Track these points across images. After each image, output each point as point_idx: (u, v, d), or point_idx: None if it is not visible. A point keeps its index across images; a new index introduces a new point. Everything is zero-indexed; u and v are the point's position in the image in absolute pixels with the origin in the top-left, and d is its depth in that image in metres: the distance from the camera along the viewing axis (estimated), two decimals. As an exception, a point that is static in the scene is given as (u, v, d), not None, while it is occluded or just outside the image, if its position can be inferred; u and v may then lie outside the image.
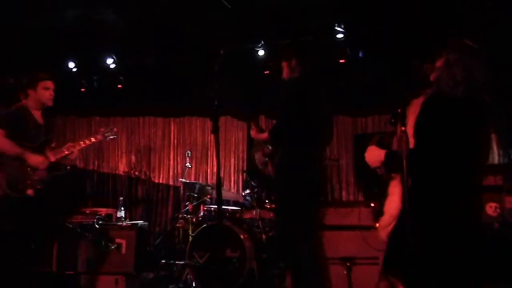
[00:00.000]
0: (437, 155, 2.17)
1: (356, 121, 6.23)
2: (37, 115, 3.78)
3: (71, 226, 4.81)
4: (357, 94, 5.92)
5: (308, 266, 3.15)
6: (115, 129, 4.08)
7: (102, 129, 4.03)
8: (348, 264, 3.90)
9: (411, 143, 2.17)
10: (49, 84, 3.75)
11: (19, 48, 5.86)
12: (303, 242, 3.18)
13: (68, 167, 3.91)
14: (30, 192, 3.53)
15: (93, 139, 3.91)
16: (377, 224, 2.46)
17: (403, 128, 2.17)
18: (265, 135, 3.47)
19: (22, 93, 3.76)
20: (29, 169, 3.58)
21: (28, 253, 3.63)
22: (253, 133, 3.58)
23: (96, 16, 5.46)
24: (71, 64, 6.57)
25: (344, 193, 6.06)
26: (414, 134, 2.21)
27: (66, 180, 3.94)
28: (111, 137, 4.03)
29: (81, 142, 3.82)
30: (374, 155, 2.41)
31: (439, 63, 2.31)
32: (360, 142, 5.91)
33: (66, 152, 3.76)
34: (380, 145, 2.43)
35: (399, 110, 2.21)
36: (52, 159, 3.68)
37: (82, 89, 6.80)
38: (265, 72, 6.11)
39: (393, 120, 2.23)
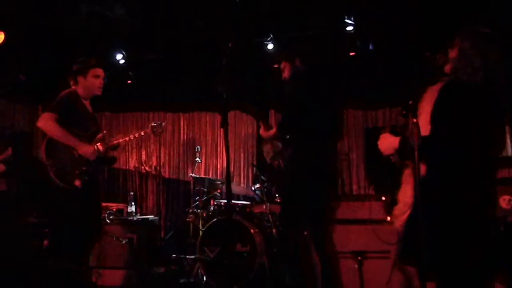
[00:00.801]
0: (454, 141, 2.14)
1: (366, 114, 6.18)
2: (87, 103, 3.61)
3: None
4: (368, 87, 5.87)
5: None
6: (163, 124, 3.80)
7: (153, 124, 3.76)
8: (359, 258, 3.87)
9: (427, 130, 2.15)
10: (100, 71, 3.57)
11: (29, 45, 5.89)
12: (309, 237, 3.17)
13: (116, 159, 3.72)
14: (77, 183, 3.35)
15: (142, 133, 3.70)
16: (392, 214, 2.43)
17: (414, 120, 2.15)
18: (273, 132, 3.45)
19: (72, 80, 3.58)
20: (78, 158, 3.41)
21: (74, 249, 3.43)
22: (262, 131, 3.56)
23: (106, 11, 5.47)
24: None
25: (355, 187, 6.03)
26: (430, 121, 2.18)
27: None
28: (160, 131, 3.77)
29: (131, 135, 3.63)
30: (388, 142, 2.38)
31: (453, 53, 2.28)
32: (370, 135, 5.87)
33: (115, 143, 3.60)
34: (394, 134, 2.40)
35: (410, 102, 2.18)
36: (102, 150, 3.49)
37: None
38: (274, 66, 6.06)
39: (404, 112, 2.20)
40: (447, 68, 2.29)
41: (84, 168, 3.40)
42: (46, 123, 3.38)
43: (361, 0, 5.16)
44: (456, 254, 2.11)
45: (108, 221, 4.87)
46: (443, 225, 2.13)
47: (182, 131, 7.04)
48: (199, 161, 5.82)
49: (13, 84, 3.65)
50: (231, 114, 6.58)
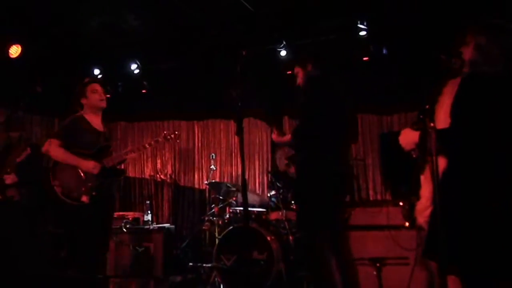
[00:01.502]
0: (475, 134, 2.11)
1: (381, 119, 6.13)
2: (96, 122, 3.77)
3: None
4: (382, 91, 5.82)
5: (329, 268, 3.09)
6: (176, 132, 3.91)
7: (165, 132, 3.90)
8: (378, 264, 3.83)
9: (447, 123, 2.14)
10: (96, 86, 3.77)
11: (46, 56, 5.99)
12: (325, 243, 3.14)
13: (125, 172, 3.86)
14: (84, 199, 3.50)
15: (153, 143, 3.84)
16: (415, 210, 2.41)
17: (431, 124, 2.12)
18: (287, 138, 3.44)
19: (77, 105, 3.80)
20: (82, 175, 3.57)
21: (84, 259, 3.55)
22: (274, 136, 3.55)
23: (120, 23, 5.54)
24: (96, 71, 6.67)
25: (371, 192, 5.96)
26: (450, 114, 2.16)
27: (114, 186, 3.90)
28: (173, 138, 3.86)
29: (142, 146, 3.79)
30: (409, 136, 2.37)
31: (468, 51, 2.25)
32: (386, 140, 5.82)
33: (125, 157, 3.77)
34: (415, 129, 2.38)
35: (427, 107, 2.16)
36: (109, 164, 3.64)
37: (107, 95, 6.89)
38: (288, 72, 6.06)
39: (421, 117, 2.18)
40: (466, 67, 2.26)
41: (89, 184, 3.55)
42: (49, 148, 3.61)
43: (373, 4, 5.13)
44: (478, 248, 2.08)
45: (125, 230, 4.90)
46: (464, 219, 2.11)
47: (196, 139, 7.07)
48: (214, 168, 5.83)
49: (30, 96, 3.74)
50: (245, 121, 6.58)
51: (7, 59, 5.51)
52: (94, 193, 3.53)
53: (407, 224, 3.92)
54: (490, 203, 2.10)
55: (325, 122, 3.18)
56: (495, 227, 2.09)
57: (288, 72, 6.03)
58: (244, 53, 3.20)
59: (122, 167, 3.87)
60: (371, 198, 5.87)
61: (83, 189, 3.52)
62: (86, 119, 3.73)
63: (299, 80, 3.49)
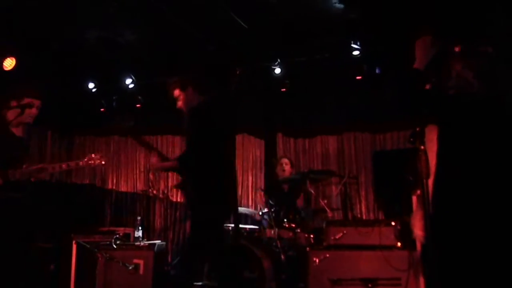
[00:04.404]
0: None
1: (374, 137, 6.15)
2: (15, 127, 3.57)
3: (88, 246, 4.82)
4: (376, 110, 5.86)
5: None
6: (99, 156, 3.74)
7: (91, 155, 3.73)
8: (369, 285, 3.80)
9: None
10: (35, 102, 3.58)
11: (40, 69, 5.98)
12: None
13: (27, 189, 3.54)
14: None
15: (72, 165, 3.67)
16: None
17: (422, 147, 2.13)
18: (170, 164, 3.43)
19: (6, 103, 3.59)
20: None
21: None
22: (154, 160, 3.50)
23: (116, 37, 5.56)
24: (91, 85, 6.67)
25: (364, 211, 5.96)
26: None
27: (27, 203, 3.55)
28: (99, 163, 3.72)
29: (59, 166, 3.60)
30: None
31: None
32: (379, 159, 5.83)
33: (34, 174, 3.51)
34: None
35: (417, 129, 2.17)
36: (14, 178, 3.38)
37: (102, 109, 6.90)
38: (282, 89, 6.11)
39: (412, 139, 2.18)
40: None
41: None
42: None
43: (366, 25, 5.19)
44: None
45: (115, 246, 4.84)
46: (453, 241, 2.10)
47: (190, 154, 7.04)
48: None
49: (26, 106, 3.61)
50: (239, 137, 6.58)
51: (1, 71, 5.50)
52: None
53: (399, 244, 3.91)
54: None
55: (209, 150, 3.26)
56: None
57: (283, 90, 6.10)
58: (238, 72, 3.21)
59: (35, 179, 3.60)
60: (363, 217, 5.86)
61: None
62: (5, 121, 3.50)
63: (180, 103, 3.53)
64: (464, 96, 2.16)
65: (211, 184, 3.25)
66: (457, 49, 2.27)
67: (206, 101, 3.45)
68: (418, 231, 2.31)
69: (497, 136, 2.11)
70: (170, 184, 6.97)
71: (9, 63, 5.57)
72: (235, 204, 3.51)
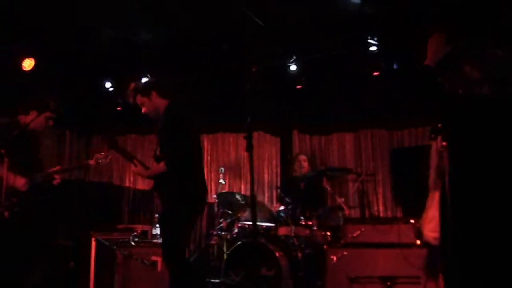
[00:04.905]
0: None
1: (392, 134, 6.09)
2: (32, 134, 3.75)
3: (107, 243, 4.87)
4: (393, 107, 5.80)
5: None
6: (109, 156, 4.03)
7: (97, 155, 4.00)
8: (388, 283, 3.77)
9: None
10: (53, 115, 3.80)
11: (59, 69, 6.06)
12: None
13: (51, 192, 3.80)
14: (6, 214, 3.38)
15: (85, 163, 3.92)
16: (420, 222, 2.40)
17: (444, 143, 2.10)
18: (158, 169, 3.40)
19: (23, 110, 3.75)
20: (9, 189, 3.44)
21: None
22: (138, 170, 3.50)
23: (132, 37, 5.60)
24: (108, 84, 6.73)
25: (381, 209, 5.90)
26: None
27: (53, 204, 3.84)
28: (105, 162, 3.99)
29: (74, 167, 3.84)
30: None
31: None
32: (396, 156, 5.78)
33: (54, 176, 3.70)
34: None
35: (439, 125, 2.14)
36: (38, 180, 3.58)
37: (118, 108, 6.95)
38: (297, 86, 6.08)
39: (433, 136, 2.16)
40: None
41: (14, 200, 3.44)
42: None
43: (383, 20, 5.13)
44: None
45: (133, 243, 4.88)
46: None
47: (206, 152, 7.06)
48: (223, 182, 5.81)
49: (43, 109, 3.74)
50: (254, 135, 6.51)
51: (20, 72, 5.59)
52: (16, 209, 3.42)
53: (418, 242, 3.87)
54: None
55: (188, 151, 3.33)
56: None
57: (298, 87, 6.07)
58: (254, 69, 3.21)
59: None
60: (381, 215, 5.81)
61: (6, 203, 3.40)
62: (23, 127, 3.66)
63: (145, 109, 3.56)
64: (472, 97, 2.15)
65: (189, 183, 3.34)
66: (467, 49, 2.27)
67: (176, 103, 3.51)
68: (428, 232, 2.29)
69: (505, 137, 2.08)
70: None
71: (28, 64, 5.65)
72: (206, 201, 3.61)
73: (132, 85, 3.57)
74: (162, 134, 3.46)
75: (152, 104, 3.51)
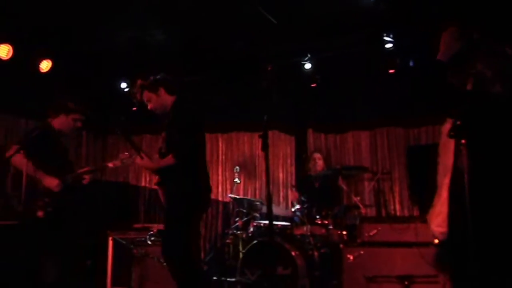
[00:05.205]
0: None
1: (408, 132, 6.02)
2: (60, 136, 3.90)
3: (124, 242, 4.92)
4: (409, 104, 5.73)
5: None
6: (134, 156, 3.99)
7: (121, 155, 4.08)
8: (406, 282, 3.74)
9: None
10: (81, 117, 3.91)
11: (75, 70, 6.13)
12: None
13: (82, 192, 3.92)
14: (40, 214, 3.53)
15: (110, 164, 3.97)
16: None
17: (463, 142, 2.08)
18: (165, 162, 3.38)
19: (53, 112, 3.86)
20: (43, 190, 3.60)
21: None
22: (144, 162, 3.48)
23: (147, 37, 5.63)
24: (123, 84, 6.78)
25: (398, 207, 5.84)
26: None
27: (84, 204, 3.97)
28: (129, 162, 4.07)
29: (101, 166, 3.93)
30: None
31: None
32: (413, 153, 5.71)
33: (83, 176, 3.83)
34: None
35: (458, 123, 2.11)
36: (69, 181, 3.71)
37: (134, 108, 7.00)
38: (312, 85, 6.05)
39: (452, 134, 2.12)
40: None
41: (47, 200, 3.56)
42: (16, 157, 3.55)
43: (399, 17, 5.08)
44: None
45: (149, 242, 4.92)
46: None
47: (220, 151, 7.07)
48: (238, 181, 5.82)
49: (70, 111, 3.84)
50: (269, 134, 6.53)
51: (38, 73, 5.67)
52: (49, 209, 3.54)
53: (436, 241, 3.82)
54: None
55: (195, 146, 3.38)
56: None
57: (313, 85, 6.04)
58: (269, 68, 3.19)
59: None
60: (398, 213, 5.75)
61: (40, 203, 3.54)
62: (53, 131, 3.81)
63: (151, 105, 3.56)
64: (483, 94, 2.13)
65: (192, 180, 3.35)
66: (478, 46, 2.26)
67: (183, 99, 3.54)
68: (435, 227, 2.28)
69: None
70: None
71: (46, 65, 5.73)
72: (210, 199, 3.64)
73: (139, 81, 3.59)
74: (170, 129, 3.48)
75: (159, 100, 3.53)
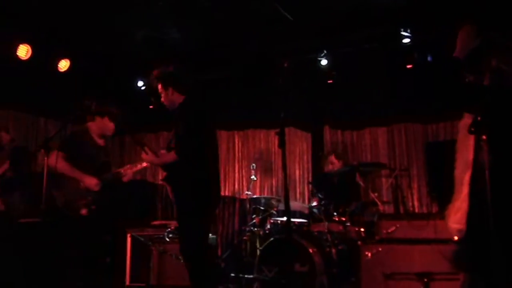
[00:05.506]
0: None
1: (426, 128, 5.95)
2: (98, 138, 4.05)
3: (142, 239, 4.97)
4: (427, 100, 5.65)
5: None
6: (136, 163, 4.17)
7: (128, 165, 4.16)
8: (425, 280, 3.70)
9: None
10: (114, 118, 4.04)
11: (93, 69, 6.21)
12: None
13: (121, 189, 4.09)
14: (84, 212, 3.73)
15: (144, 164, 4.03)
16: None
17: (483, 137, 2.05)
18: (168, 158, 3.44)
19: (90, 116, 4.04)
20: (84, 189, 3.80)
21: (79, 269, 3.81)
22: (149, 157, 3.53)
23: (162, 36, 5.67)
24: (140, 83, 6.84)
25: (416, 204, 5.78)
26: None
27: (123, 199, 4.10)
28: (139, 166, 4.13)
29: (134, 166, 4.01)
30: None
31: None
32: (431, 150, 5.64)
33: (122, 174, 3.98)
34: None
35: (478, 119, 2.08)
36: (108, 180, 3.89)
37: (151, 106, 7.05)
38: (328, 81, 6.01)
39: (473, 129, 2.10)
40: None
41: (89, 198, 3.77)
42: (56, 160, 3.73)
43: (417, 11, 5.01)
44: None
45: (167, 239, 4.96)
46: None
47: (237, 148, 7.08)
48: (255, 179, 5.82)
49: (80, 109, 3.94)
50: (285, 131, 6.53)
51: (56, 73, 5.75)
52: (92, 207, 3.74)
53: (456, 238, 3.77)
54: None
55: (200, 143, 3.38)
56: None
57: (329, 81, 6.01)
58: (286, 64, 3.19)
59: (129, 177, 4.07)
60: (416, 210, 5.69)
61: (83, 202, 3.74)
62: (90, 133, 4.00)
63: (162, 99, 3.62)
64: (502, 89, 2.12)
65: (201, 176, 3.37)
66: (495, 42, 2.25)
67: (192, 98, 3.57)
68: (452, 224, 2.26)
69: None
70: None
71: (64, 65, 5.82)
72: (219, 195, 3.65)
73: (155, 72, 3.65)
74: (176, 125, 3.52)
75: (168, 98, 3.59)
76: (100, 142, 4.06)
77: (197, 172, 3.38)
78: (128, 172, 4.00)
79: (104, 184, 3.86)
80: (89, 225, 3.75)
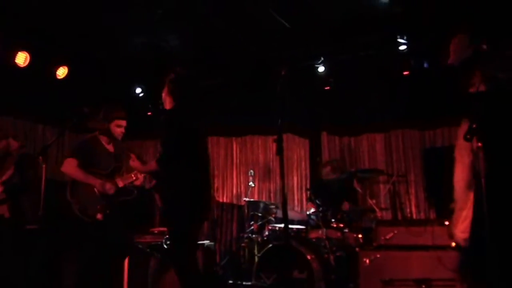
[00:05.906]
0: None
1: (423, 134, 5.97)
2: (107, 144, 4.10)
3: (140, 246, 4.96)
4: (424, 106, 5.68)
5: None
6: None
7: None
8: (423, 286, 3.71)
9: None
10: (123, 122, 4.07)
11: (91, 76, 6.22)
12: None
13: (135, 191, 4.09)
14: (99, 216, 3.79)
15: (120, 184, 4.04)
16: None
17: (479, 144, 2.06)
18: (150, 167, 3.49)
19: (97, 124, 4.09)
20: (98, 195, 3.85)
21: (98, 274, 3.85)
22: (135, 164, 3.58)
23: (161, 42, 5.69)
24: (138, 90, 6.85)
25: (414, 210, 5.79)
26: None
27: (135, 204, 4.12)
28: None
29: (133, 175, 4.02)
30: None
31: None
32: (429, 156, 5.66)
33: (134, 178, 3.99)
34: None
35: (474, 126, 2.10)
36: (121, 184, 3.93)
37: (149, 113, 7.06)
38: (326, 88, 6.04)
39: (468, 136, 2.11)
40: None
41: (104, 203, 3.83)
42: (68, 167, 3.90)
43: (412, 19, 5.05)
44: None
45: (166, 247, 4.94)
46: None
47: (235, 155, 7.09)
48: (253, 185, 5.82)
49: (78, 117, 3.94)
50: (283, 137, 6.56)
51: (55, 80, 5.76)
52: (108, 211, 3.80)
53: (453, 244, 3.78)
54: None
55: (182, 153, 3.34)
56: None
57: (326, 88, 6.03)
58: (283, 72, 3.20)
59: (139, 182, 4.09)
60: (414, 216, 5.70)
61: (98, 207, 3.80)
62: (100, 140, 4.06)
63: (166, 105, 3.60)
64: (496, 96, 2.13)
65: (185, 184, 3.34)
66: (486, 49, 2.27)
67: (178, 107, 3.53)
68: (459, 233, 2.26)
69: None
70: (216, 185, 7.04)
71: (62, 72, 5.83)
72: (209, 202, 3.60)
73: (175, 71, 3.64)
74: (161, 134, 3.53)
75: (164, 95, 3.61)
76: (109, 147, 4.10)
77: (181, 183, 3.35)
78: (139, 176, 4.03)
79: (117, 188, 3.91)
80: (105, 228, 3.83)
